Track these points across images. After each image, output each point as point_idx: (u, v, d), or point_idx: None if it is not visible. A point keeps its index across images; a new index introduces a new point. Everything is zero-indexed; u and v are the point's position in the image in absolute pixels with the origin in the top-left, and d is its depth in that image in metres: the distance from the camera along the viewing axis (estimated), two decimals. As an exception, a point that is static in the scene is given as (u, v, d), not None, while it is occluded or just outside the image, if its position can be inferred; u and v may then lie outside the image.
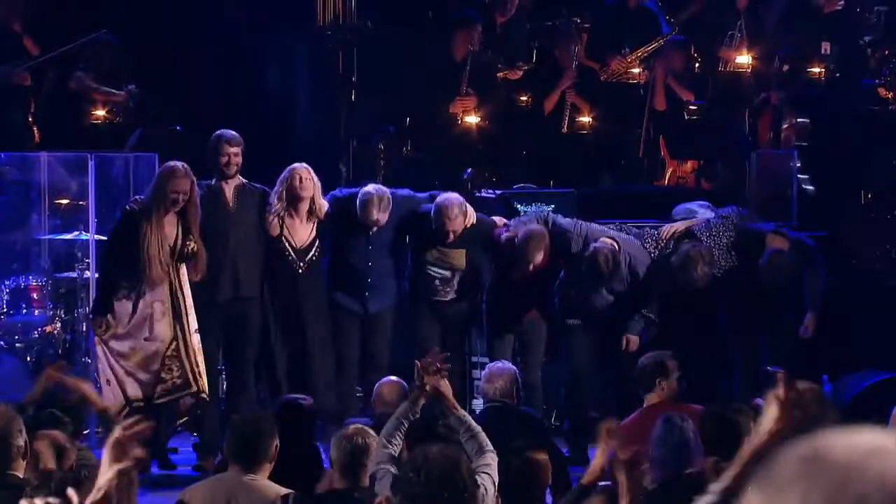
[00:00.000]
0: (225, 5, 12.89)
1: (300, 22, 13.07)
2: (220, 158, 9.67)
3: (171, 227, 9.27)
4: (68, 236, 10.91)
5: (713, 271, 9.83)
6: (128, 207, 9.37)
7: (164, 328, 9.26)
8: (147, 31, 12.68)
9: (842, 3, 12.35)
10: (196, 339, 9.34)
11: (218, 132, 9.77)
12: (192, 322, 9.34)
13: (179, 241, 9.27)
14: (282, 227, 9.77)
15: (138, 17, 12.57)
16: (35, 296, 10.77)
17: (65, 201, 11.11)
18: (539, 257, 9.75)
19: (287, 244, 9.79)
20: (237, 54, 12.68)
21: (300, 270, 9.80)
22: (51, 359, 9.86)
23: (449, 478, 4.44)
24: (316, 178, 9.79)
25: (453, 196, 9.95)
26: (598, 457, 5.31)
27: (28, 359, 10.51)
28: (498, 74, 12.47)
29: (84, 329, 10.40)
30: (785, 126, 12.09)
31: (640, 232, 10.23)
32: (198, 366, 9.30)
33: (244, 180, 9.84)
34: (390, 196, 9.80)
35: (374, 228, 9.83)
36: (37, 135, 12.07)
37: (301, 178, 9.71)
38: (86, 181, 10.60)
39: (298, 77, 13.39)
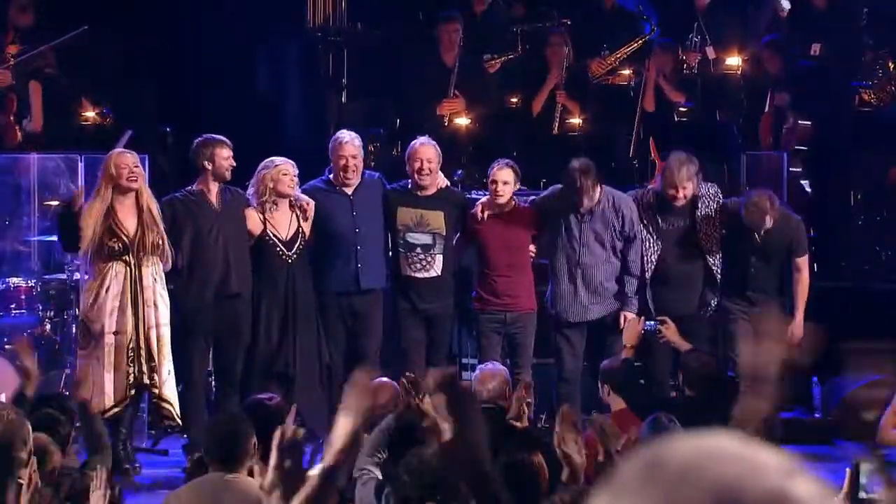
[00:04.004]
0: (217, 7, 12.86)
1: (291, 23, 13.05)
2: (222, 163, 9.70)
3: (130, 219, 9.31)
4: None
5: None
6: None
7: (125, 322, 9.29)
8: (138, 32, 12.66)
9: (788, 12, 12.39)
10: (156, 335, 9.35)
11: (209, 136, 9.77)
12: (153, 317, 9.35)
13: (139, 233, 9.29)
14: (265, 223, 9.82)
15: (131, 17, 12.55)
16: (24, 297, 10.73)
17: (55, 203, 11.07)
18: None
19: (274, 238, 9.81)
20: (228, 55, 12.66)
21: (290, 261, 9.86)
22: (41, 361, 9.82)
23: (443, 480, 4.43)
24: (296, 171, 9.87)
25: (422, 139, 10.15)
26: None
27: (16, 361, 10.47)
28: (485, 64, 12.47)
29: (74, 331, 10.37)
30: (787, 128, 12.07)
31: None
32: (152, 362, 9.32)
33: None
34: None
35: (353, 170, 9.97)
36: (19, 134, 12.00)
37: (290, 176, 9.77)
38: (75, 182, 10.57)
39: (289, 78, 13.38)
